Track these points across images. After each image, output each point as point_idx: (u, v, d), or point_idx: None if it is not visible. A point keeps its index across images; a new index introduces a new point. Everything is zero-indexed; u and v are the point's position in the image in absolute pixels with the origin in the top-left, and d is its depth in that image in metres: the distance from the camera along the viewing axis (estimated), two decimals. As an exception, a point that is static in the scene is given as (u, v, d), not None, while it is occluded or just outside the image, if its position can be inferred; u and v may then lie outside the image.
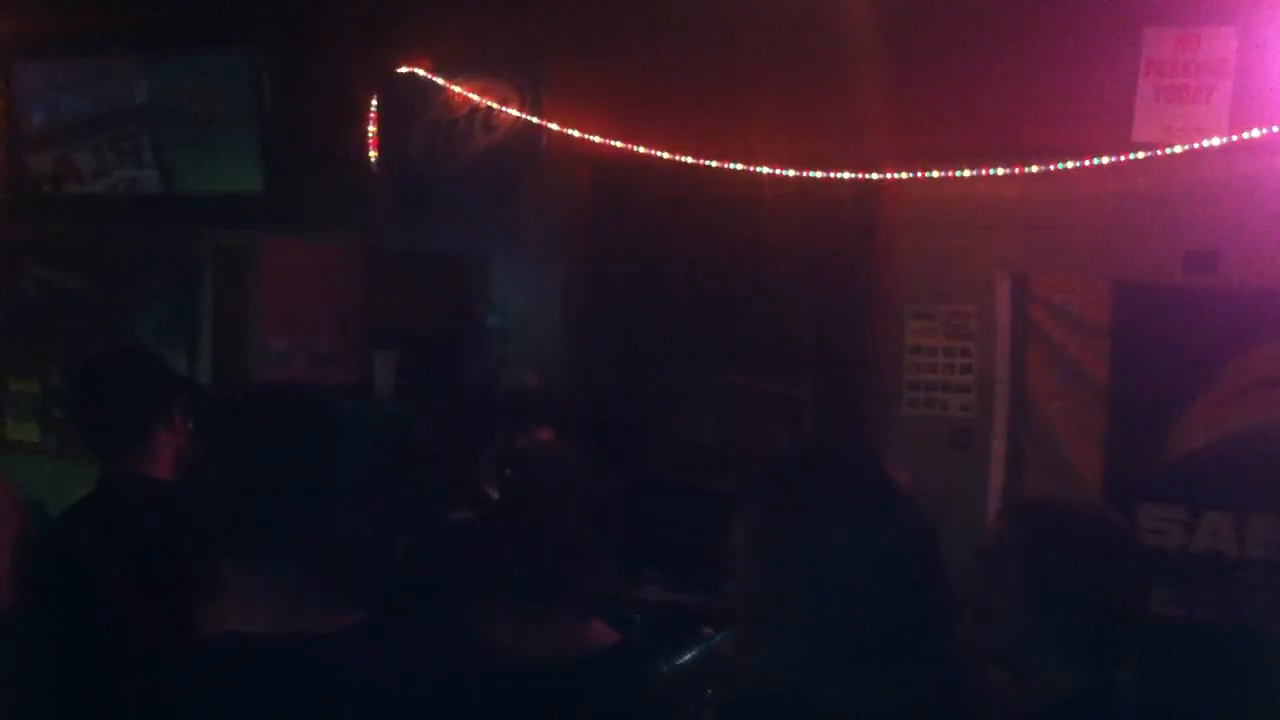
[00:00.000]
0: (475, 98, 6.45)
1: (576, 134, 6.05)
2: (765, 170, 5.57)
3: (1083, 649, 2.47)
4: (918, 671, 1.93)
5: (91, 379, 3.62)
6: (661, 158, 5.76)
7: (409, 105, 6.65)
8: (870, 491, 2.02)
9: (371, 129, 6.74)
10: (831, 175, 5.48)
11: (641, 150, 5.82)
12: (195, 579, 2.22)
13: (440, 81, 6.54)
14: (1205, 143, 4.90)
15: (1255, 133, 4.82)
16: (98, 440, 3.52)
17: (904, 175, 5.39)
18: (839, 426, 5.54)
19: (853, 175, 5.46)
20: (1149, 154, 4.97)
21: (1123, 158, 5.00)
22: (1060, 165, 5.08)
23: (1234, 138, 4.88)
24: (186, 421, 3.57)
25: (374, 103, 6.72)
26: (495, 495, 4.58)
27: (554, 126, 6.16)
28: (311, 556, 2.12)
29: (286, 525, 2.10)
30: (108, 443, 3.49)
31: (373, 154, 6.75)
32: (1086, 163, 5.03)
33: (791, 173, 5.53)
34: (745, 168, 5.60)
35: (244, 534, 2.11)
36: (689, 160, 5.69)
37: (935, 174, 5.32)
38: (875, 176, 5.44)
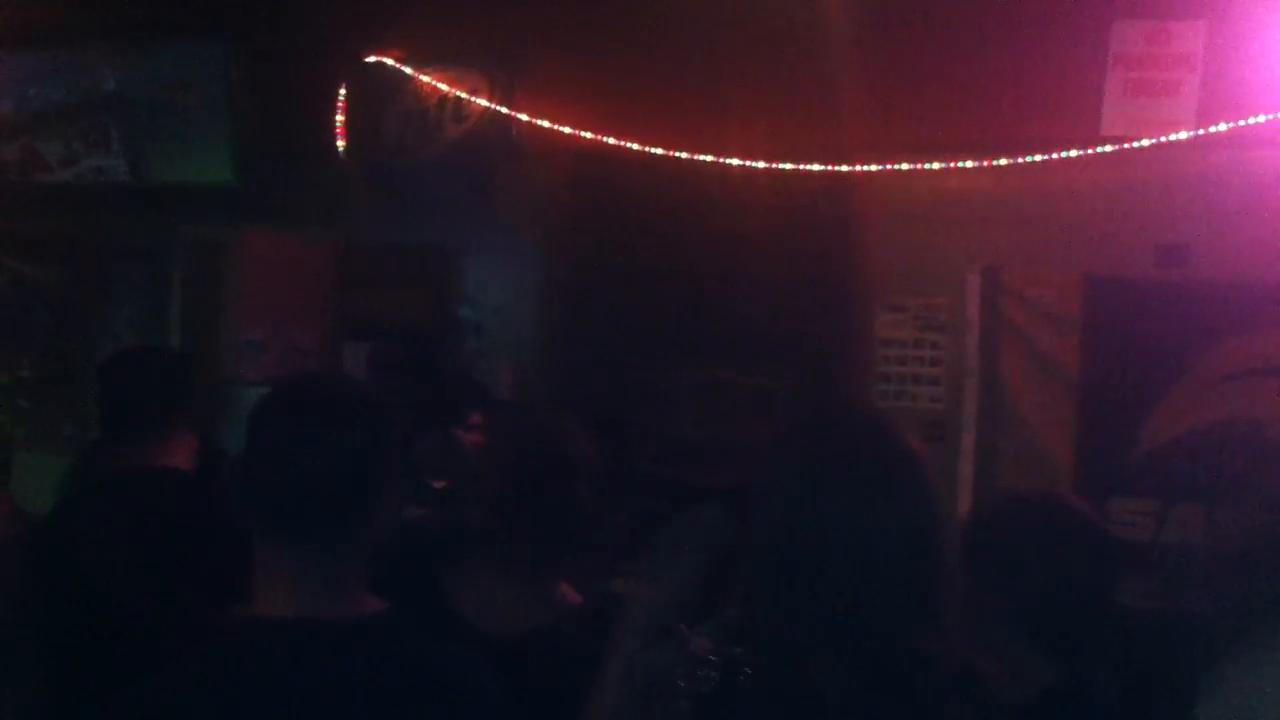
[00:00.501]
0: (445, 87, 6.44)
1: (546, 124, 6.05)
2: (739, 162, 5.57)
3: (1057, 641, 2.48)
4: (917, 649, 1.95)
5: (119, 373, 3.63)
6: (636, 149, 5.77)
7: (380, 95, 6.63)
8: (891, 453, 2.04)
9: (339, 118, 6.73)
10: (804, 168, 5.49)
11: (614, 142, 5.82)
12: (223, 567, 2.23)
13: (409, 71, 6.52)
14: (1174, 136, 4.93)
15: (1223, 126, 4.85)
16: (121, 433, 3.52)
17: (875, 168, 5.41)
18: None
19: (824, 168, 5.47)
20: (1118, 147, 4.99)
21: (1092, 151, 5.02)
22: (1030, 158, 5.10)
23: (1202, 131, 4.90)
24: (198, 420, 3.61)
25: (341, 92, 6.70)
26: (438, 486, 4.60)
27: (524, 117, 6.15)
28: (349, 543, 2.15)
29: (333, 512, 2.12)
30: (131, 437, 3.48)
31: (340, 143, 6.73)
32: (1056, 156, 5.06)
33: (763, 165, 5.54)
34: (720, 160, 5.61)
35: (284, 520, 2.12)
36: (663, 152, 5.70)
37: (906, 167, 5.34)
38: (847, 169, 5.46)
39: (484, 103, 6.31)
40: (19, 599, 3.28)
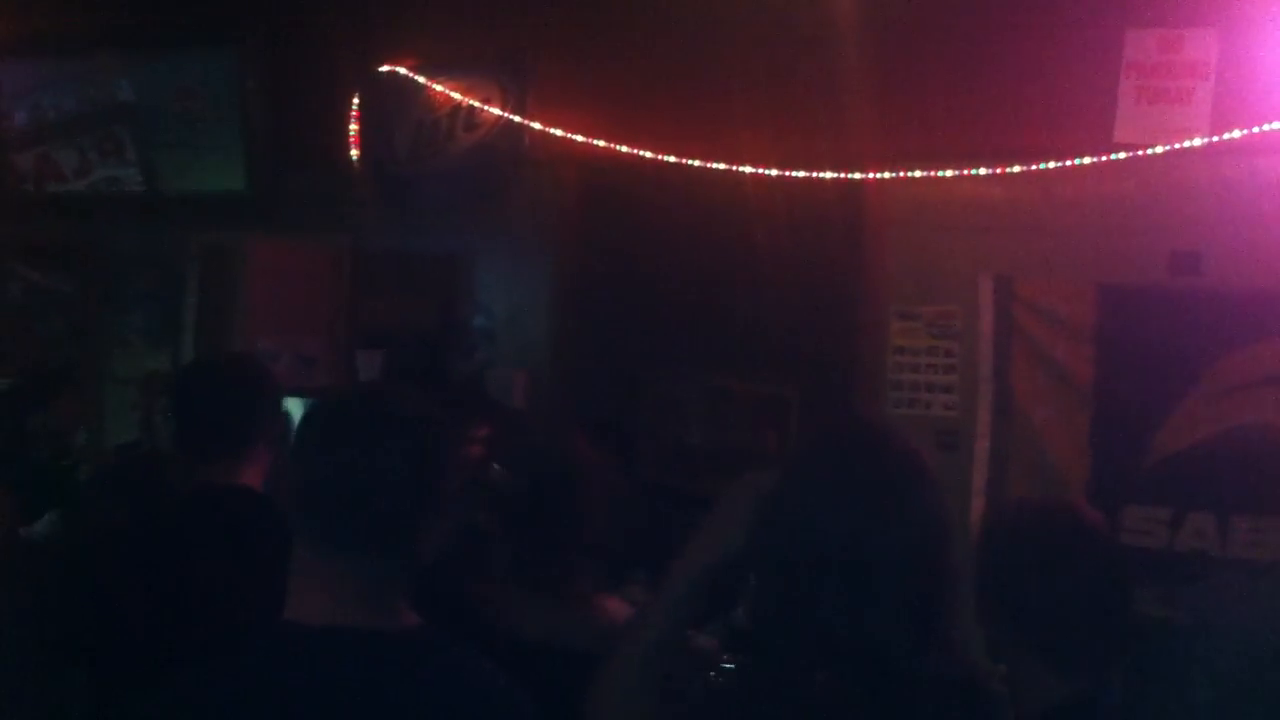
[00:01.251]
0: (457, 96, 6.45)
1: (560, 133, 6.05)
2: (750, 170, 5.57)
3: (1068, 654, 2.47)
4: (921, 661, 1.95)
5: (201, 383, 3.49)
6: (647, 157, 5.76)
7: (392, 104, 6.64)
8: (900, 466, 2.03)
9: (353, 128, 6.73)
10: (816, 175, 5.48)
11: (627, 150, 5.82)
12: (277, 585, 2.21)
13: (422, 80, 6.53)
14: (1187, 143, 4.91)
15: (1237, 133, 4.83)
16: (199, 447, 3.37)
17: (887, 175, 5.39)
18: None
19: (837, 176, 5.46)
20: (1131, 155, 4.97)
21: (1105, 158, 5.01)
22: (1043, 166, 5.09)
23: (1216, 138, 4.88)
24: (281, 434, 3.46)
25: (355, 101, 6.71)
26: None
27: (536, 125, 6.15)
28: (392, 555, 2.14)
29: (378, 523, 2.11)
30: (209, 451, 3.34)
31: (354, 153, 6.74)
32: (1069, 164, 5.04)
33: (775, 173, 5.53)
34: (731, 168, 5.60)
35: (330, 528, 2.11)
36: (674, 160, 5.70)
37: (918, 174, 5.33)
38: (859, 177, 5.44)
39: (496, 111, 6.31)
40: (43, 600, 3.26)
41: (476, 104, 6.37)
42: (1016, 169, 5.15)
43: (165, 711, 2.11)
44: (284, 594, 2.17)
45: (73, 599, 3.26)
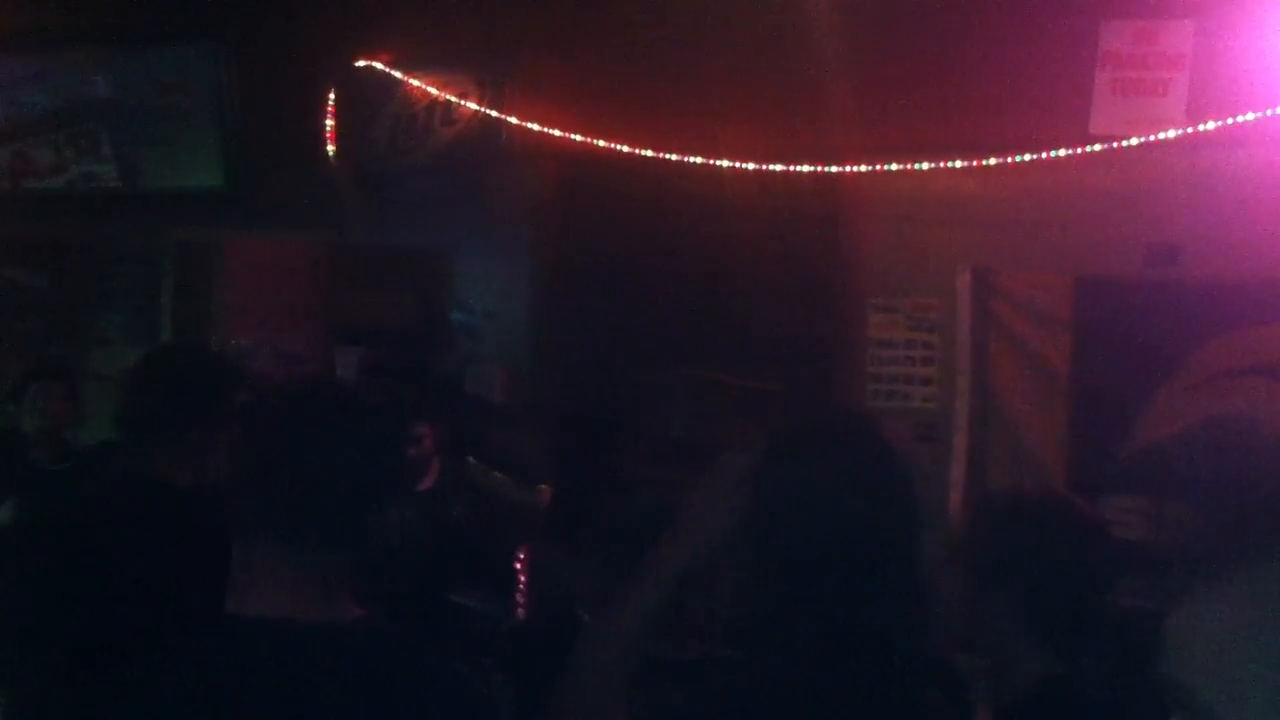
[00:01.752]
0: (435, 91, 6.43)
1: (538, 127, 6.05)
2: (729, 164, 5.57)
3: (1051, 638, 2.49)
4: (899, 647, 1.96)
5: (140, 372, 3.38)
6: (626, 152, 5.76)
7: (369, 99, 6.63)
8: (877, 455, 2.04)
9: (329, 123, 6.72)
10: (795, 169, 5.49)
11: (605, 144, 5.82)
12: (213, 581, 2.19)
13: (399, 75, 6.52)
14: (1163, 135, 4.93)
15: (1212, 125, 4.85)
16: (134, 435, 3.29)
17: (865, 168, 5.41)
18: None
19: (814, 169, 5.47)
20: (1107, 147, 4.99)
21: (1081, 150, 5.02)
22: (1019, 158, 5.10)
23: (1191, 130, 4.90)
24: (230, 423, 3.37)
25: (332, 97, 6.69)
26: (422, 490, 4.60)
27: (514, 120, 6.15)
28: (335, 548, 2.13)
29: (321, 516, 2.11)
30: (143, 439, 3.25)
31: (331, 148, 6.72)
32: (1045, 155, 5.06)
33: (754, 166, 5.55)
34: (709, 162, 5.61)
35: (273, 521, 2.11)
36: (653, 154, 5.70)
37: (896, 167, 5.34)
38: (837, 170, 5.46)
39: (473, 106, 6.30)
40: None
41: (454, 99, 6.36)
42: (993, 162, 5.16)
43: (111, 709, 2.10)
44: (209, 589, 2.15)
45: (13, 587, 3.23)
